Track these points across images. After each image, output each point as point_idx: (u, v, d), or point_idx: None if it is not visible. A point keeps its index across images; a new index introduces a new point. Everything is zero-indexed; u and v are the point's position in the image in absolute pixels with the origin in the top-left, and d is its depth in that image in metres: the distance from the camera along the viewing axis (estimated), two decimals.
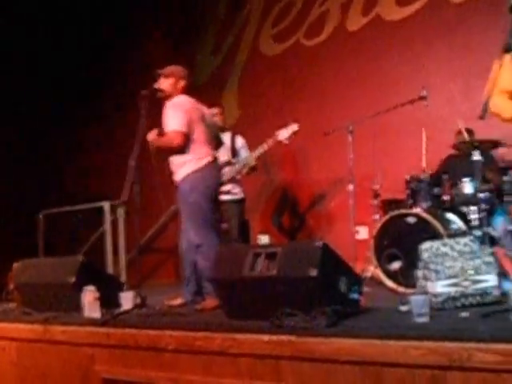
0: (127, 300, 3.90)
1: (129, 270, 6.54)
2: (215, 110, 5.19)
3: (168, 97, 4.21)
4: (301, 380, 2.83)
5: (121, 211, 6.64)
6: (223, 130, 5.24)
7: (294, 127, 4.85)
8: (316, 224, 6.48)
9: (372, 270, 4.46)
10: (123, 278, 6.31)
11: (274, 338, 2.90)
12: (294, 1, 6.94)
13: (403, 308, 3.11)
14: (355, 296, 3.21)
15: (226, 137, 5.22)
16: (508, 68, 3.12)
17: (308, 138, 5.77)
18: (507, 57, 3.14)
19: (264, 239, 5.21)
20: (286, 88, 6.85)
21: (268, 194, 6.84)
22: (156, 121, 4.17)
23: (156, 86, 4.26)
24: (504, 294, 3.08)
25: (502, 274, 3.41)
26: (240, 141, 5.30)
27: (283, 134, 4.84)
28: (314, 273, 2.95)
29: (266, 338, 2.93)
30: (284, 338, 2.87)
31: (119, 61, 8.23)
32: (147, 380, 3.35)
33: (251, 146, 5.21)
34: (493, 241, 3.95)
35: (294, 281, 3.05)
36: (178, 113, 4.07)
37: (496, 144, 4.47)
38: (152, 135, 4.16)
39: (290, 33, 6.93)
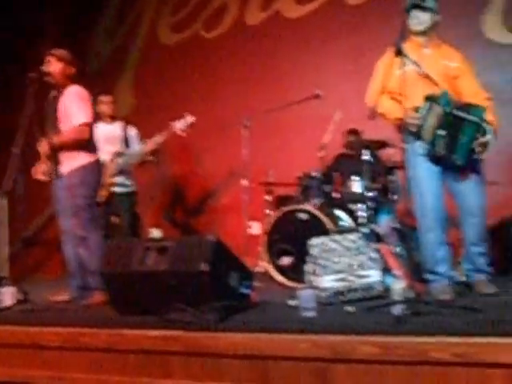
0: (8, 296, 3.72)
1: (11, 263, 6.21)
2: (105, 99, 5.05)
3: (58, 82, 4.06)
4: (190, 375, 2.81)
5: (3, 201, 6.28)
6: (114, 119, 5.11)
7: (190, 119, 4.80)
8: (209, 218, 6.47)
9: (263, 265, 4.51)
10: (5, 272, 5.99)
11: (163, 333, 2.87)
12: None
13: (292, 303, 3.16)
14: (246, 291, 3.24)
15: (118, 127, 5.09)
16: (396, 70, 3.24)
17: (204, 131, 5.73)
18: (396, 59, 3.26)
19: (156, 233, 5.13)
20: (184, 79, 6.77)
21: (161, 188, 6.74)
22: (42, 106, 3.98)
23: (45, 68, 4.07)
24: (387, 289, 3.22)
25: (386, 270, 3.57)
26: (132, 131, 5.17)
27: (178, 126, 4.77)
28: (205, 267, 2.94)
29: (154, 333, 2.89)
30: (173, 333, 2.85)
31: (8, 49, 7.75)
32: (29, 379, 3.20)
33: (145, 137, 5.09)
34: (378, 238, 4.11)
35: (184, 275, 3.03)
36: (86, 104, 4.00)
37: (384, 144, 4.66)
38: (44, 147, 3.96)
39: (188, 23, 6.86)
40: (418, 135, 3.29)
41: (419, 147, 3.30)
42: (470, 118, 3.18)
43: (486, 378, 2.28)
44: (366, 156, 4.51)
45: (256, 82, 6.30)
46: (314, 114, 5.36)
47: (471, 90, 3.39)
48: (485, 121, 3.21)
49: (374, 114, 3.35)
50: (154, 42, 7.11)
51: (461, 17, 5.24)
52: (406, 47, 3.27)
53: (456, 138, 3.18)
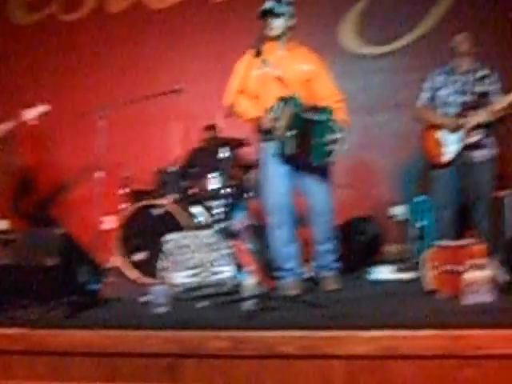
0: None
1: None
2: None
3: None
4: (34, 375, 2.72)
5: None
6: None
7: (43, 108, 4.58)
8: (61, 211, 6.21)
9: (116, 260, 4.42)
10: None
11: (6, 332, 2.74)
12: None
13: (144, 298, 3.14)
14: (95, 286, 3.17)
15: None
16: (254, 71, 3.32)
17: (58, 120, 5.48)
18: (255, 60, 3.34)
19: (1, 225, 4.87)
20: (39, 64, 6.42)
21: (8, 177, 6.36)
22: None
23: None
24: (239, 285, 3.29)
25: (239, 266, 3.64)
26: None
27: (30, 114, 4.54)
28: (52, 262, 2.84)
29: None
30: (17, 331, 2.72)
31: None
32: None
33: None
34: (233, 234, 4.18)
35: (31, 270, 2.92)
36: None
37: (241, 142, 4.75)
38: None
39: (44, 3, 6.50)
40: (270, 135, 3.37)
41: (271, 147, 3.40)
42: (318, 118, 3.31)
43: (329, 369, 2.42)
44: (223, 153, 4.58)
45: (118, 72, 6.13)
46: (175, 109, 5.33)
47: (324, 93, 3.51)
48: (333, 120, 3.33)
49: (230, 113, 3.41)
50: (4, 20, 6.65)
51: (318, 25, 5.46)
52: (265, 49, 3.36)
53: (308, 140, 3.29)
